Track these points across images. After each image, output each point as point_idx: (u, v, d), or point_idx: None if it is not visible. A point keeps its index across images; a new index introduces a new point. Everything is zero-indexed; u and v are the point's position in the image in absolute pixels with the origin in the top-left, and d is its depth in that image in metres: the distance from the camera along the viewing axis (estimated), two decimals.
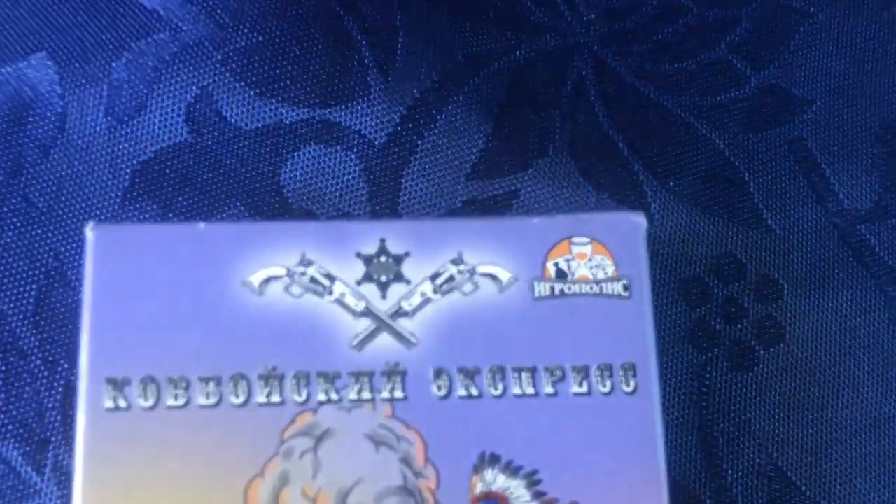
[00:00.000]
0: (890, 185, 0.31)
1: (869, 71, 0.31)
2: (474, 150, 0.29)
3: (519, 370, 0.22)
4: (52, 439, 0.26)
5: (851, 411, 0.28)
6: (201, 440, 0.21)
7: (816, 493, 0.28)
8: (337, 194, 0.28)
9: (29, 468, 0.25)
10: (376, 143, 0.28)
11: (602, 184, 0.29)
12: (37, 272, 0.27)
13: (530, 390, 0.22)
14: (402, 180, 0.28)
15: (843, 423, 0.28)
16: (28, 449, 0.25)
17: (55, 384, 0.26)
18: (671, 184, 0.29)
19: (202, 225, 0.23)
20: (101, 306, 0.22)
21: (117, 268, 0.22)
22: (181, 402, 0.21)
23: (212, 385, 0.22)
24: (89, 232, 0.22)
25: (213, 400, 0.22)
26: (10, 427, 0.26)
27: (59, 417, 0.26)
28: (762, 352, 0.29)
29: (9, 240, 0.27)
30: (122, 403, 0.21)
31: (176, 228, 0.23)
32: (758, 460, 0.28)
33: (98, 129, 0.28)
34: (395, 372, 0.22)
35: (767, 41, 0.32)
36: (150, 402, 0.21)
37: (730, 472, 0.28)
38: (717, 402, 0.28)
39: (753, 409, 0.28)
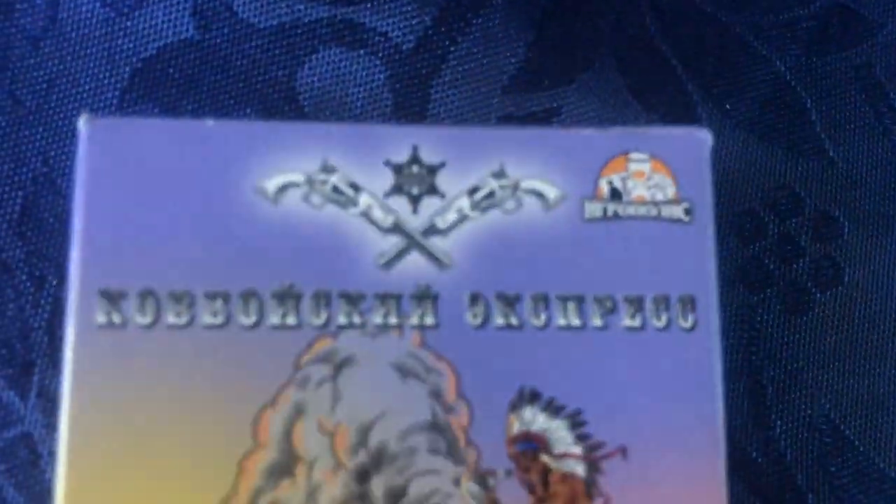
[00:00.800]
0: None
1: None
2: (513, 61, 0.26)
3: (564, 299, 0.20)
4: (38, 362, 0.23)
5: None
6: (205, 364, 0.19)
7: (870, 449, 0.26)
8: (358, 104, 0.25)
9: (11, 393, 0.23)
10: (404, 47, 0.25)
11: (652, 103, 0.26)
12: (23, 177, 0.24)
13: (577, 322, 0.20)
14: (432, 91, 0.25)
15: None
16: (10, 372, 0.23)
17: (42, 302, 0.23)
18: (727, 107, 0.27)
19: (210, 122, 0.20)
20: (94, 210, 0.19)
21: (113, 167, 0.19)
22: (184, 320, 0.19)
23: (219, 302, 0.19)
24: (82, 125, 0.19)
25: (219, 319, 0.19)
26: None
27: (45, 338, 0.23)
28: (818, 294, 0.26)
29: None
30: (117, 319, 0.19)
31: (181, 125, 0.20)
32: (808, 412, 0.26)
33: (94, 20, 0.25)
34: (425, 296, 0.20)
35: None
36: (149, 319, 0.19)
37: (778, 423, 0.25)
38: (768, 348, 0.26)
39: (806, 356, 0.26)
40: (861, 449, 0.26)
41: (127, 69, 0.25)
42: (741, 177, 0.26)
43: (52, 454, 0.23)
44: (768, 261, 0.26)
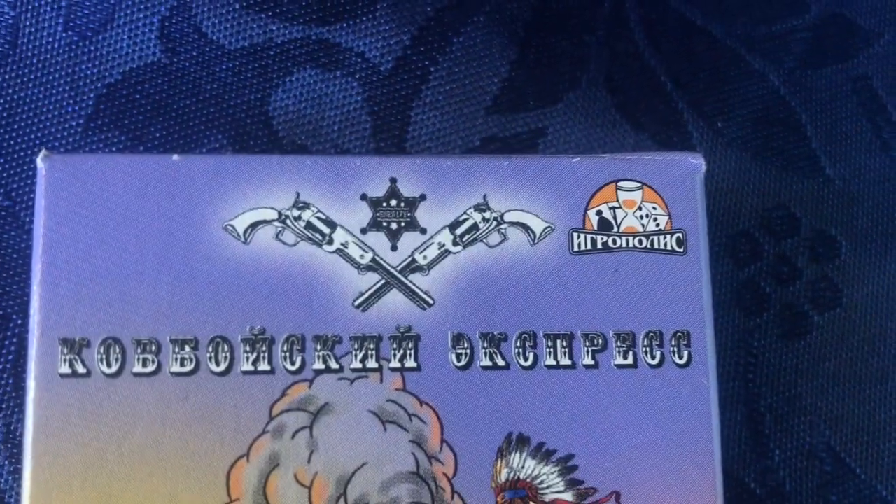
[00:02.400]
0: None
1: None
2: (496, 80, 0.25)
3: (553, 337, 0.19)
4: (3, 406, 0.22)
5: None
6: (175, 414, 0.18)
7: (872, 477, 0.25)
8: (335, 128, 0.24)
9: None
10: (382, 68, 0.24)
11: (642, 123, 0.25)
12: None
13: (566, 361, 0.19)
14: (412, 113, 0.24)
15: None
16: None
17: (6, 343, 0.22)
18: (719, 125, 0.26)
19: (175, 156, 0.19)
20: (54, 252, 0.18)
21: (74, 206, 0.18)
22: (150, 368, 0.18)
23: (187, 349, 0.18)
24: (40, 162, 0.18)
25: (188, 367, 0.18)
26: None
27: (10, 381, 0.22)
28: (816, 317, 0.25)
29: None
30: (81, 369, 0.18)
31: (145, 160, 0.19)
32: (808, 439, 0.25)
33: (57, 45, 0.24)
34: (406, 337, 0.19)
35: None
36: (114, 369, 0.18)
37: (777, 451, 0.24)
38: (766, 374, 0.25)
39: (805, 382, 0.25)
40: (863, 477, 0.25)
41: (91, 95, 0.23)
42: (734, 197, 0.25)
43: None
44: (764, 283, 0.25)
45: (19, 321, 0.22)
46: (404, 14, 0.24)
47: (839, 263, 0.26)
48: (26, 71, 0.23)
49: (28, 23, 0.24)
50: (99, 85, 0.23)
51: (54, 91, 0.23)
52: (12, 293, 0.23)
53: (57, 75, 0.23)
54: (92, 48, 0.24)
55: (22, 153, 0.23)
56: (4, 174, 0.23)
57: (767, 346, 0.25)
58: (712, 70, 0.26)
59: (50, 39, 0.24)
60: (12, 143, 0.23)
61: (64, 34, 0.24)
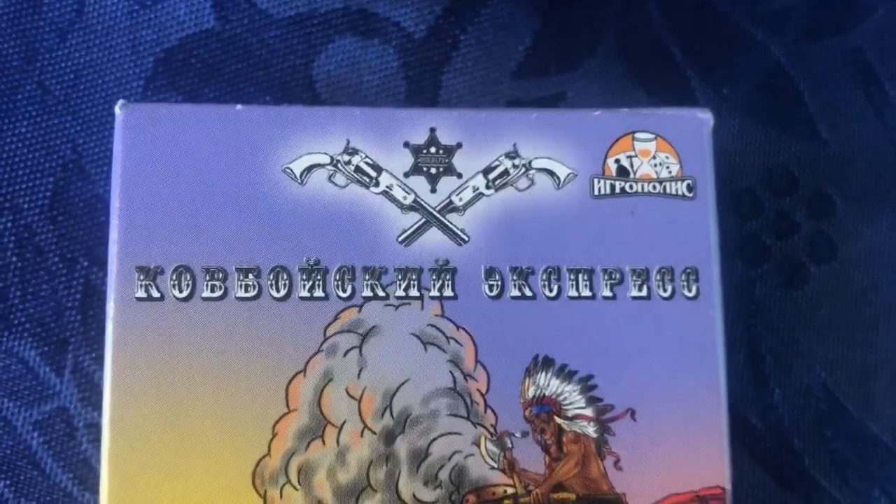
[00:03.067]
0: None
1: None
2: (520, 48, 0.27)
3: (575, 271, 0.21)
4: (72, 340, 0.24)
5: None
6: (239, 335, 0.20)
7: (864, 415, 0.27)
8: (373, 91, 0.26)
9: (48, 369, 0.24)
10: (416, 36, 0.26)
11: (653, 89, 0.27)
12: (53, 165, 0.25)
13: (587, 293, 0.21)
14: (443, 77, 0.26)
15: (894, 345, 0.27)
16: (46, 349, 0.24)
17: (74, 283, 0.25)
18: (725, 92, 0.28)
19: (239, 107, 0.21)
20: (130, 190, 0.20)
21: (148, 150, 0.20)
22: (217, 293, 0.20)
23: (251, 277, 0.20)
24: (118, 110, 0.21)
25: (251, 293, 0.20)
26: (27, 326, 0.24)
27: (78, 317, 0.24)
28: (813, 269, 0.27)
29: (24, 129, 0.25)
30: (155, 293, 0.20)
31: (211, 110, 0.21)
32: (805, 380, 0.27)
33: (119, 13, 0.26)
34: (444, 269, 0.21)
35: None
36: (185, 294, 0.20)
37: (777, 390, 0.27)
38: (766, 320, 0.27)
39: (802, 327, 0.27)
40: (855, 415, 0.27)
41: (150, 59, 0.26)
42: (738, 157, 0.28)
43: (88, 426, 0.24)
44: (765, 237, 0.27)
45: (85, 263, 0.25)
46: None
47: (834, 220, 0.28)
48: (91, 36, 0.26)
49: None
50: (157, 49, 0.26)
51: (117, 55, 0.26)
52: (79, 238, 0.25)
53: (119, 40, 0.26)
54: (151, 16, 0.26)
55: (88, 111, 0.25)
56: (72, 130, 0.25)
57: (768, 294, 0.27)
58: (719, 42, 0.28)
59: (113, 7, 0.26)
60: (79, 102, 0.25)
61: (125, 2, 0.26)
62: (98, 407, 0.24)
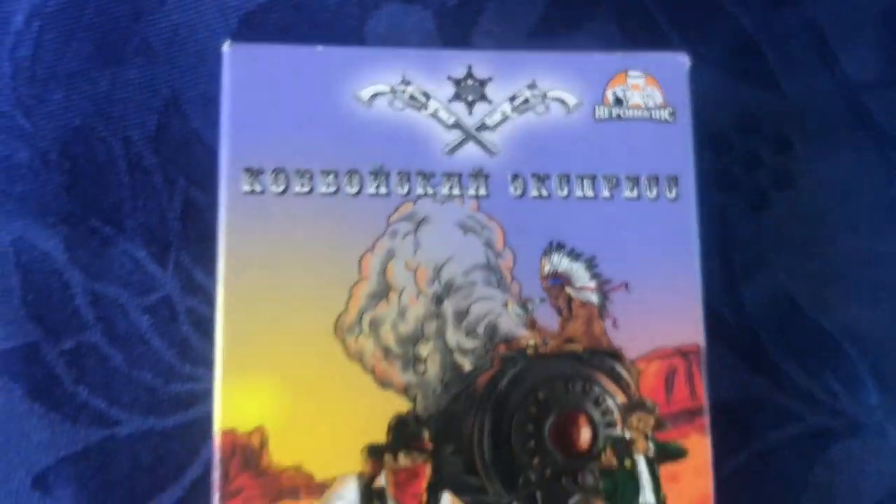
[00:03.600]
0: (889, 60, 0.35)
1: None
2: (534, 14, 0.33)
3: (581, 177, 0.27)
4: (174, 243, 0.30)
5: (850, 248, 0.33)
6: (323, 221, 0.26)
7: (818, 315, 0.33)
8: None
9: (154, 266, 0.30)
10: (449, 4, 0.32)
11: (642, 48, 0.33)
12: (157, 104, 0.31)
13: (590, 193, 0.27)
14: (473, 38, 0.32)
15: (843, 257, 0.33)
16: (154, 250, 0.30)
17: (175, 198, 0.30)
18: (702, 51, 0.34)
19: (320, 48, 0.27)
20: (236, 111, 0.26)
21: (250, 79, 0.26)
22: (306, 189, 0.26)
23: (331, 177, 0.26)
24: (226, 48, 0.26)
25: (332, 189, 0.26)
26: (138, 231, 0.30)
27: (179, 225, 0.30)
28: (775, 195, 0.33)
29: (132, 75, 0.31)
30: (258, 188, 0.26)
31: (298, 49, 0.27)
32: (770, 285, 0.33)
33: None
34: (479, 174, 0.27)
35: None
36: (280, 189, 0.26)
37: (746, 293, 0.32)
38: (737, 237, 0.33)
39: (767, 243, 0.33)
40: (810, 315, 0.33)
41: (235, 19, 0.31)
42: (713, 106, 0.33)
43: (187, 311, 0.30)
44: (736, 170, 0.33)
45: (184, 183, 0.30)
46: None
47: (793, 155, 0.34)
48: (185, 0, 0.32)
49: None
50: (241, 12, 0.31)
51: (207, 16, 0.31)
52: (177, 163, 0.30)
53: (209, 4, 0.31)
54: None
55: (183, 61, 0.31)
56: (171, 77, 0.31)
57: (739, 216, 0.33)
58: (697, 12, 0.34)
59: None
60: (176, 53, 0.31)
61: None
62: (195, 295, 0.30)
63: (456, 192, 0.27)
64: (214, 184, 0.26)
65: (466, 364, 0.26)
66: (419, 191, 0.26)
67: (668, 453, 0.26)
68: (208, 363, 0.26)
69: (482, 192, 0.27)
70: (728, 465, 0.31)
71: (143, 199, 0.30)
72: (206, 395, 0.28)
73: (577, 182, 0.27)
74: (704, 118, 0.33)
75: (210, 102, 0.30)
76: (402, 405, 0.25)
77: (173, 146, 0.31)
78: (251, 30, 0.31)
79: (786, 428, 0.32)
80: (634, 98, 0.28)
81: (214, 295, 0.25)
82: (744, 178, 0.33)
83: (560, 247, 0.27)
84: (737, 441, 0.31)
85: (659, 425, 0.26)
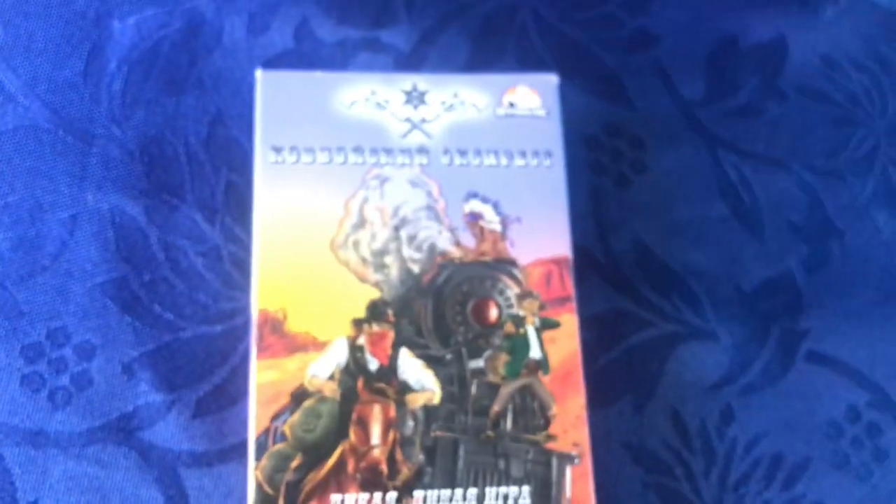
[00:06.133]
0: (710, 87, 0.51)
1: (699, 16, 0.52)
2: (462, 59, 0.48)
3: (488, 151, 0.42)
4: (220, 210, 0.44)
5: (688, 213, 0.48)
6: (321, 179, 0.40)
7: (666, 258, 0.47)
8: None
9: (207, 224, 0.44)
10: (404, 52, 0.48)
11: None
12: (207, 119, 0.45)
13: (494, 162, 0.41)
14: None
15: (683, 220, 0.48)
16: (206, 214, 0.44)
17: (220, 181, 0.44)
18: (578, 81, 0.49)
19: (318, 73, 0.42)
20: (266, 108, 0.41)
21: (274, 91, 0.41)
22: (310, 160, 0.40)
23: (327, 152, 0.40)
24: (258, 74, 0.41)
25: (327, 160, 0.40)
26: (195, 201, 0.44)
27: (223, 198, 0.44)
28: (634, 177, 0.48)
29: (190, 101, 0.46)
30: (279, 159, 0.40)
31: (305, 74, 0.42)
32: (631, 238, 0.47)
33: (237, 37, 0.47)
34: (422, 150, 0.41)
35: (638, 2, 0.52)
36: (294, 160, 0.40)
37: (613, 243, 0.47)
38: (606, 205, 0.47)
39: (628, 210, 0.47)
40: (660, 257, 0.47)
41: (259, 63, 0.46)
42: (587, 117, 0.48)
43: (230, 255, 0.43)
44: (604, 160, 0.48)
45: (226, 171, 0.44)
46: (414, 27, 0.48)
47: (646, 149, 0.48)
48: (226, 54, 0.46)
49: (227, 24, 0.47)
50: (263, 59, 0.47)
51: (239, 61, 0.46)
52: (223, 158, 0.45)
53: (242, 54, 0.46)
54: (259, 40, 0.47)
55: (224, 91, 0.46)
56: (216, 99, 0.46)
57: (607, 191, 0.47)
58: (575, 55, 0.50)
59: (231, 33, 0.47)
60: (220, 85, 0.46)
61: (244, 33, 0.47)
62: (235, 244, 0.43)
63: (407, 161, 0.41)
64: (247, 171, 0.41)
65: (416, 269, 0.40)
66: (383, 160, 0.41)
67: (547, 325, 0.40)
68: (244, 290, 0.40)
69: (424, 161, 0.41)
70: (602, 359, 0.45)
71: (198, 181, 0.44)
72: (242, 311, 0.42)
73: (485, 154, 0.42)
74: (581, 125, 0.48)
75: (243, 118, 0.45)
76: (374, 294, 0.39)
77: (218, 146, 0.45)
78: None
79: (644, 333, 0.46)
80: (522, 102, 0.43)
81: (248, 242, 0.39)
82: (610, 166, 0.48)
83: (475, 195, 0.41)
84: (608, 342, 0.45)
85: (541, 307, 0.40)
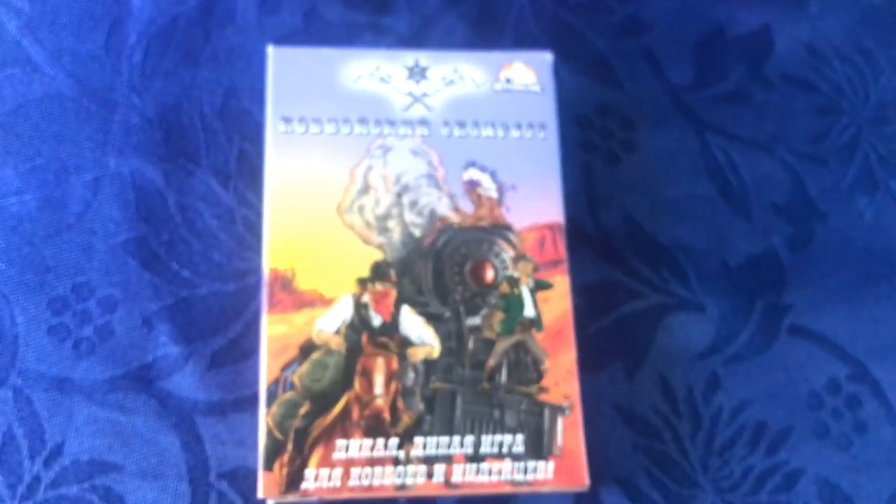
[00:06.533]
0: (698, 72, 0.53)
1: (686, 6, 0.54)
2: (460, 41, 0.51)
3: (486, 123, 0.44)
4: (233, 175, 0.47)
5: (675, 191, 0.50)
6: (329, 148, 0.43)
7: (655, 232, 0.49)
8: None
9: (221, 188, 0.46)
10: (405, 36, 0.50)
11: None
12: (221, 90, 0.48)
13: (491, 133, 0.44)
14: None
15: (672, 197, 0.50)
16: (220, 179, 0.46)
17: (233, 148, 0.47)
18: (572, 64, 0.52)
19: (326, 49, 0.44)
20: (277, 81, 0.43)
21: (285, 66, 0.44)
22: (318, 130, 0.43)
23: (334, 123, 0.43)
24: (270, 50, 0.44)
25: (334, 130, 0.43)
26: (210, 167, 0.47)
27: (235, 164, 0.47)
28: (625, 156, 0.51)
29: (205, 73, 0.48)
30: (289, 129, 0.43)
31: (314, 50, 0.44)
32: (620, 214, 0.50)
33: (249, 16, 0.50)
34: (423, 122, 0.44)
35: None
36: (303, 130, 0.43)
37: (604, 218, 0.49)
38: (596, 183, 0.50)
39: (618, 187, 0.50)
40: (649, 232, 0.49)
41: (271, 40, 0.49)
42: (580, 99, 0.51)
43: (242, 218, 0.46)
44: (595, 139, 0.51)
45: (238, 139, 0.47)
46: (415, 11, 0.51)
47: (636, 130, 0.51)
48: (240, 31, 0.49)
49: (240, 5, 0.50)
50: (274, 35, 0.49)
51: (251, 37, 0.49)
52: (235, 128, 0.47)
53: (254, 31, 0.49)
54: (272, 18, 0.49)
55: (237, 64, 0.48)
56: (230, 73, 0.48)
57: (598, 169, 0.50)
58: (568, 39, 0.52)
59: (244, 11, 0.49)
60: (233, 59, 0.48)
61: (254, 10, 0.49)
62: (247, 207, 0.46)
63: (409, 132, 0.44)
64: (259, 140, 0.43)
65: (417, 232, 0.42)
66: (387, 131, 0.44)
67: (541, 286, 0.43)
68: (256, 251, 0.43)
69: (425, 132, 0.44)
70: (593, 326, 0.47)
71: (213, 148, 0.47)
72: (254, 271, 0.45)
73: (483, 126, 0.44)
74: (574, 106, 0.51)
75: (254, 91, 0.48)
76: (377, 255, 0.42)
77: (232, 116, 0.48)
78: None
79: (634, 303, 0.48)
80: (518, 78, 0.45)
81: (260, 206, 0.42)
82: (601, 144, 0.51)
83: (473, 164, 0.44)
84: (600, 310, 0.48)
85: (535, 269, 0.43)
